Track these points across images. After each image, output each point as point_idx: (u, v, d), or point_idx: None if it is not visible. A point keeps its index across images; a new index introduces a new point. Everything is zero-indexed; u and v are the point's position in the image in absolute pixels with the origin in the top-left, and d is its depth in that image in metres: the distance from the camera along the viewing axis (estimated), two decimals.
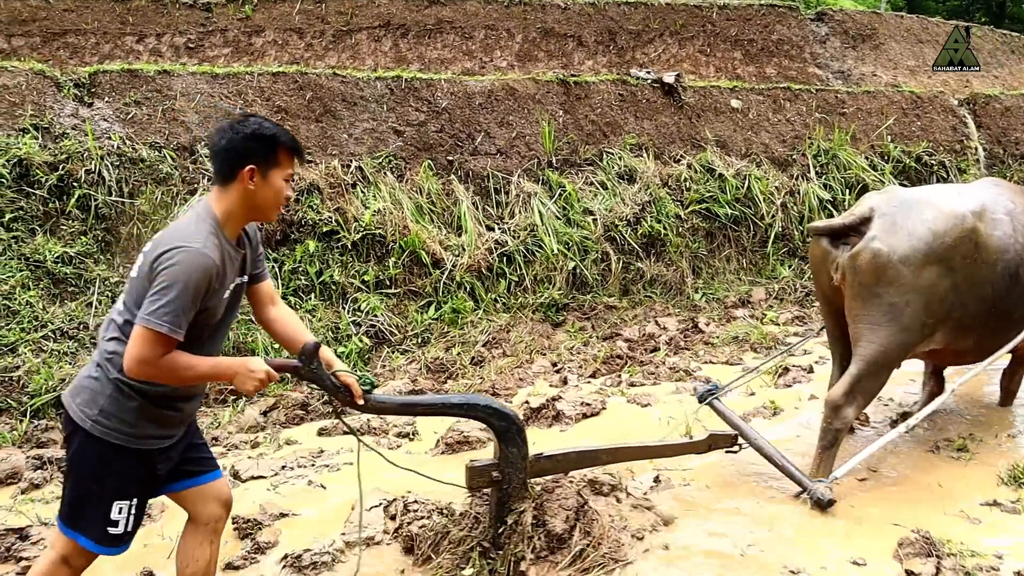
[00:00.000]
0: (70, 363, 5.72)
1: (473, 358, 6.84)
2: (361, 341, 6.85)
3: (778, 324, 7.85)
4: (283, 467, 4.70)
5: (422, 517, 3.55)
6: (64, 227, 6.49)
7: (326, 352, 2.89)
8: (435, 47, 10.69)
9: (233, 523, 3.81)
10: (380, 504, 3.93)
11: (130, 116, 7.31)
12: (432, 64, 10.43)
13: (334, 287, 7.16)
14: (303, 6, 10.37)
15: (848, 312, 4.17)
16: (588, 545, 3.20)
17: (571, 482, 3.51)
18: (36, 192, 6.45)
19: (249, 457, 4.89)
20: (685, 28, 11.83)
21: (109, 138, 7.00)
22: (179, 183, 7.09)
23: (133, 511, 2.69)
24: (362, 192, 7.72)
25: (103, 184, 6.70)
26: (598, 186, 8.79)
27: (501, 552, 3.20)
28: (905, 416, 4.94)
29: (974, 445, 4.67)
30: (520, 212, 8.24)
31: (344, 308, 7.08)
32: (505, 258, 7.94)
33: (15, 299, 5.92)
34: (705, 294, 8.69)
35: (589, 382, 6.34)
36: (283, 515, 4.01)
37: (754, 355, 6.91)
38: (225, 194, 2.64)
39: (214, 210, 2.63)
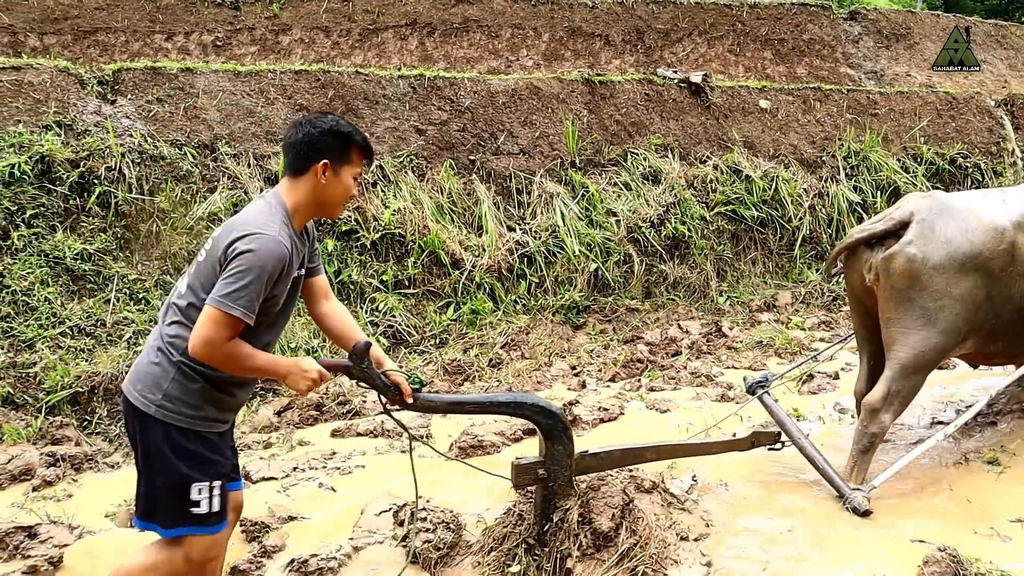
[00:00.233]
0: (87, 360, 5.73)
1: (491, 360, 6.75)
2: (378, 341, 6.78)
3: (804, 329, 7.66)
4: (294, 468, 4.64)
5: (428, 530, 3.48)
6: (84, 224, 6.51)
7: (376, 350, 2.93)
8: (461, 46, 10.65)
9: (241, 526, 3.76)
10: (390, 509, 3.86)
11: (152, 113, 7.33)
12: (458, 63, 10.38)
13: (352, 286, 7.12)
14: (330, 4, 10.37)
15: (881, 315, 4.10)
16: (635, 544, 3.15)
17: (617, 480, 3.45)
18: (57, 189, 6.47)
19: (261, 458, 4.85)
20: (714, 27, 11.67)
21: (131, 135, 7.02)
22: (199, 181, 7.08)
23: (216, 492, 2.67)
24: (382, 191, 7.67)
25: (123, 181, 6.71)
26: (622, 187, 8.66)
27: (546, 549, 3.19)
28: (940, 424, 4.80)
29: (1005, 458, 4.48)
30: (542, 213, 8.14)
31: (362, 308, 7.03)
32: (526, 259, 7.84)
33: (34, 295, 5.94)
34: (729, 297, 8.53)
35: (608, 386, 6.22)
36: (291, 518, 3.95)
37: (778, 360, 6.74)
38: (296, 186, 2.71)
39: (284, 201, 2.69)
